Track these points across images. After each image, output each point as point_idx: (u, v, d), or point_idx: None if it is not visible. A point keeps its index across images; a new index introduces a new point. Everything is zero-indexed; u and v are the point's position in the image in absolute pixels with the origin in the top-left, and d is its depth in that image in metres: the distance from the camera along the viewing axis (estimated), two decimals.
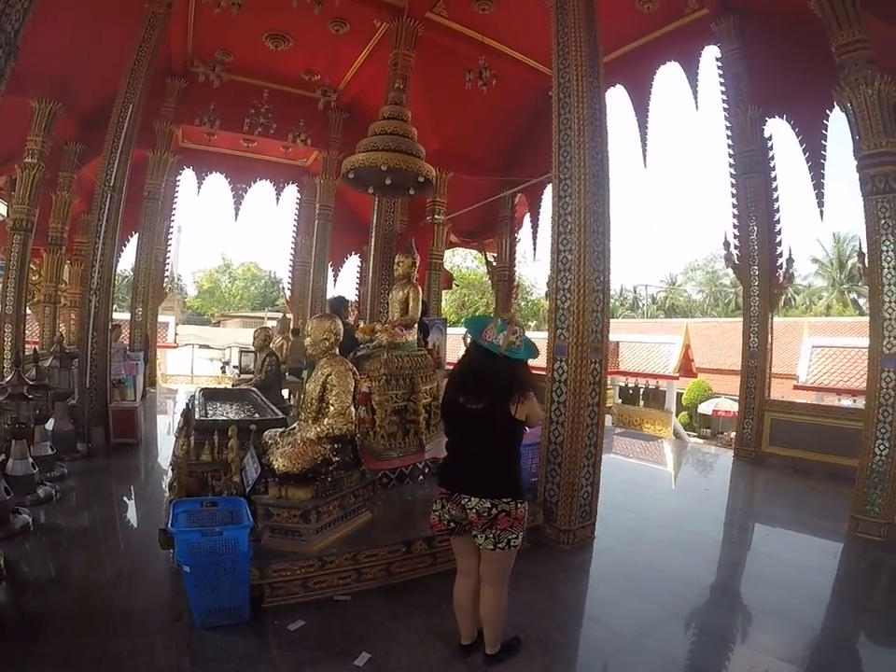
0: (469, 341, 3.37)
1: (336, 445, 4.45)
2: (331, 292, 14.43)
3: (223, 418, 5.85)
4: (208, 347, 28.73)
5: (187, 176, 15.31)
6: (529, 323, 39.72)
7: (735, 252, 9.54)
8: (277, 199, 16.42)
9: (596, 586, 4.72)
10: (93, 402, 8.02)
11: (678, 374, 22.01)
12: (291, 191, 16.43)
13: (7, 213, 11.09)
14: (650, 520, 6.24)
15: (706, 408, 24.62)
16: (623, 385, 24.56)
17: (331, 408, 4.36)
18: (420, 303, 6.85)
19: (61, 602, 3.82)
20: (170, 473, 5.74)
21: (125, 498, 6.48)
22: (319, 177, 14.40)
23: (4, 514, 4.70)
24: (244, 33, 10.51)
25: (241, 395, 7.53)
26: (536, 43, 10.01)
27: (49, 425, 6.75)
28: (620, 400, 23.58)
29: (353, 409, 4.52)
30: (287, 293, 16.66)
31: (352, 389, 4.50)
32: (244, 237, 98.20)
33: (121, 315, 13.53)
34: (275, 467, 4.19)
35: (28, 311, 12.50)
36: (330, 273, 16.09)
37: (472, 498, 3.11)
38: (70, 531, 5.16)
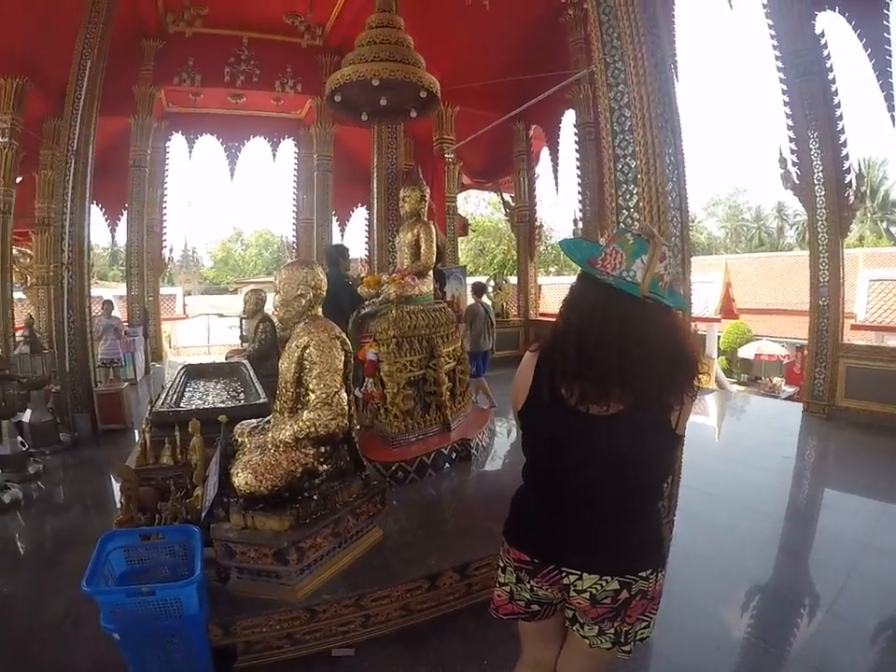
0: (582, 277, 1.82)
1: (323, 449, 3.17)
2: None
3: (185, 408, 4.71)
4: (222, 316, 28.08)
5: (177, 142, 14.70)
6: (549, 269, 38.29)
7: (793, 170, 8.08)
8: (274, 155, 15.59)
9: (692, 622, 3.32)
10: (75, 388, 7.38)
11: (719, 316, 20.32)
12: (288, 147, 15.56)
13: None
14: (729, 504, 4.98)
15: (746, 352, 23.12)
16: None
17: (312, 396, 3.07)
18: (434, 245, 5.68)
19: None
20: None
21: (99, 498, 5.53)
22: (314, 126, 13.60)
23: None
24: None
25: (231, 370, 6.58)
26: None
27: (27, 417, 6.35)
28: None
29: (343, 395, 3.19)
30: (293, 253, 15.84)
31: (340, 366, 3.20)
32: (254, 206, 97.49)
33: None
34: (236, 484, 2.97)
35: (23, 295, 12.77)
36: (337, 229, 15.53)
37: (587, 576, 1.76)
38: (26, 547, 4.48)
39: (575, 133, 11.02)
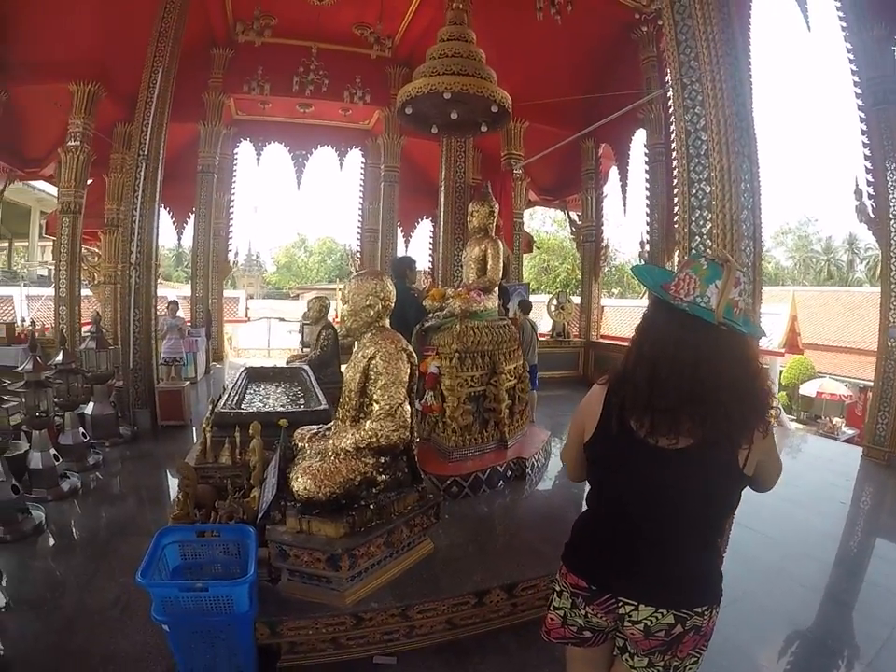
0: (648, 301, 1.86)
1: (383, 459, 3.19)
2: None
3: (246, 410, 4.77)
4: (283, 320, 28.50)
5: (245, 149, 14.94)
6: (612, 291, 37.81)
7: (868, 203, 7.75)
8: (340, 164, 15.60)
9: (731, 661, 3.17)
10: (138, 384, 7.55)
11: (783, 350, 19.76)
12: (355, 157, 15.49)
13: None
14: (779, 545, 4.73)
15: (808, 388, 22.08)
16: None
17: (375, 406, 3.09)
18: (501, 261, 5.64)
19: (31, 643, 2.99)
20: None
21: (154, 491, 5.60)
22: (382, 137, 13.64)
23: (10, 515, 4.14)
24: None
25: (291, 375, 6.66)
26: None
27: (90, 409, 6.52)
28: None
29: (406, 407, 3.19)
30: (357, 263, 15.83)
31: (405, 378, 3.20)
32: (319, 213, 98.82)
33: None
34: (294, 489, 3.00)
35: (90, 293, 13.19)
36: (401, 240, 15.51)
37: (643, 607, 1.71)
38: (81, 534, 4.49)
39: (645, 154, 10.78)
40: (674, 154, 3.96)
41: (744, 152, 3.72)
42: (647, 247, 10.90)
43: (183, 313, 12.97)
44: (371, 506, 3.10)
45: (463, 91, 5.18)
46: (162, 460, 6.25)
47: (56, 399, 5.38)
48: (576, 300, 13.94)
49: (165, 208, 13.51)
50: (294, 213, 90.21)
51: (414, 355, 3.39)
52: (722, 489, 1.69)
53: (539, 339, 12.63)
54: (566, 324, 13.09)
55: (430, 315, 5.58)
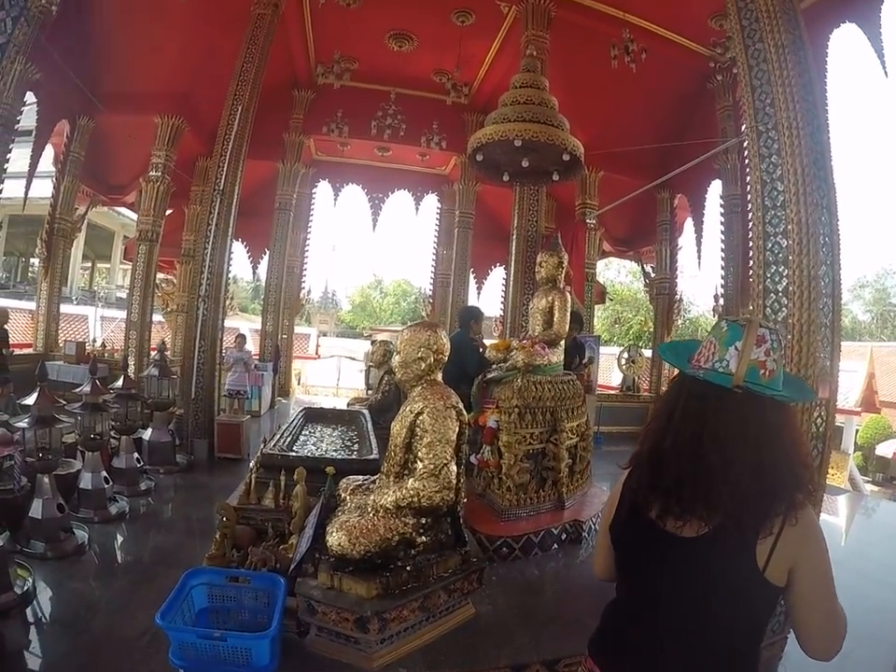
0: (675, 378, 1.65)
1: (424, 520, 3.04)
2: (474, 304, 13.34)
3: (295, 453, 4.67)
4: (353, 359, 28.75)
5: (323, 189, 15.08)
6: None
7: None
8: (416, 208, 15.64)
9: None
10: (198, 414, 7.53)
11: (859, 409, 18.62)
12: (431, 202, 15.65)
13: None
14: (851, 626, 4.23)
15: (885, 449, 20.54)
16: None
17: (420, 464, 2.97)
18: (567, 314, 5.47)
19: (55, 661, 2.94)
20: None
21: (203, 523, 5.42)
22: (458, 183, 13.53)
23: (54, 532, 4.09)
24: (365, 36, 10.41)
25: (350, 418, 6.56)
26: (685, 17, 9.04)
27: (147, 435, 6.54)
28: None
29: (452, 467, 3.06)
30: (429, 307, 15.77)
31: (453, 437, 3.08)
32: (394, 255, 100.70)
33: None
34: (329, 543, 2.89)
35: (163, 319, 13.63)
36: (474, 287, 15.30)
37: None
38: (122, 559, 4.43)
39: (721, 205, 10.49)
40: (749, 206, 3.73)
41: (822, 203, 3.49)
42: (721, 301, 10.56)
43: (252, 346, 13.19)
44: (408, 567, 2.97)
45: (534, 139, 5.07)
46: (215, 492, 6.13)
47: (113, 423, 5.47)
48: (647, 353, 13.55)
49: (242, 242, 14.11)
50: (370, 254, 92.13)
51: (464, 412, 3.27)
52: (734, 594, 1.35)
53: (608, 392, 12.41)
54: (636, 378, 12.73)
55: (493, 367, 5.42)
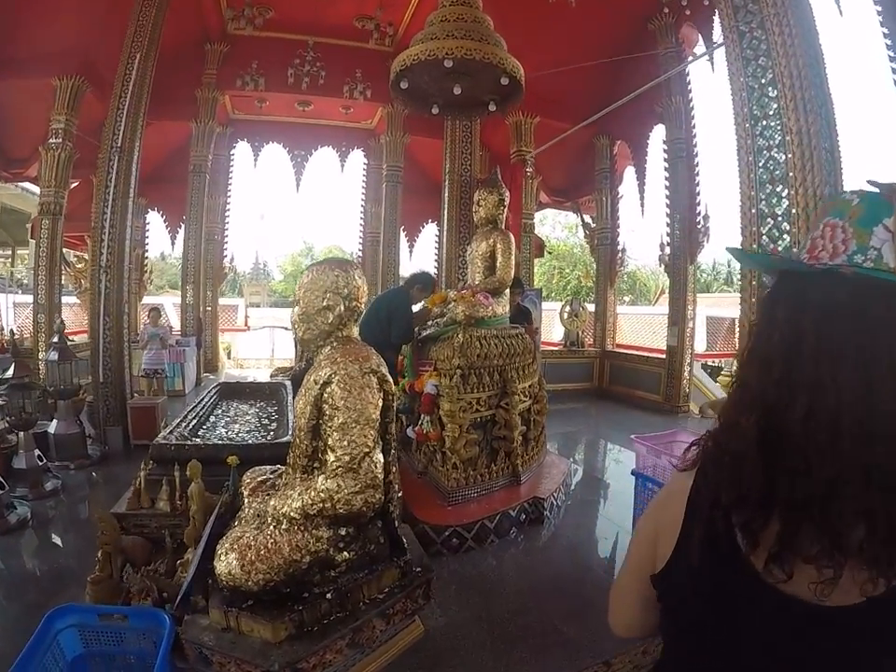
0: (775, 291, 0.91)
1: (344, 531, 2.26)
2: (407, 265, 12.97)
3: (194, 440, 3.85)
4: (287, 329, 27.97)
5: (243, 151, 14.44)
6: (624, 298, 36.87)
7: None
8: (342, 166, 14.94)
9: None
10: (108, 399, 6.92)
11: None
12: (358, 159, 14.97)
13: None
14: None
15: None
16: None
17: (331, 456, 2.18)
18: (512, 258, 4.86)
19: None
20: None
21: None
22: (385, 135, 12.78)
23: None
24: None
25: (270, 392, 5.91)
26: None
27: (52, 428, 6.06)
28: None
29: (377, 457, 2.27)
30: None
31: (375, 415, 2.28)
32: (324, 220, 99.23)
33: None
34: (217, 571, 2.12)
35: (76, 300, 12.71)
36: (406, 246, 15.00)
37: None
38: (18, 575, 3.80)
39: (664, 150, 10.06)
40: (734, 117, 3.08)
41: (820, 113, 2.89)
42: (667, 250, 10.09)
43: (176, 320, 12.39)
44: (328, 595, 2.19)
45: (467, 58, 4.35)
46: (128, 485, 5.47)
47: (7, 418, 5.14)
48: (590, 307, 13.15)
49: (158, 212, 13.55)
50: (299, 221, 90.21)
51: (390, 379, 2.45)
52: None
53: (551, 349, 11.97)
54: (579, 332, 12.27)
55: (430, 323, 4.77)
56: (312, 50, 11.10)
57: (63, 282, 10.02)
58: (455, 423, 4.12)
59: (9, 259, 27.38)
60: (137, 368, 8.17)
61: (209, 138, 12.11)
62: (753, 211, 2.91)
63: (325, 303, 2.36)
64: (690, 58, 8.49)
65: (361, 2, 10.25)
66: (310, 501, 2.13)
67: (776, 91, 2.87)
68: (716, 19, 8.46)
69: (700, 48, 9.16)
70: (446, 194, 7.18)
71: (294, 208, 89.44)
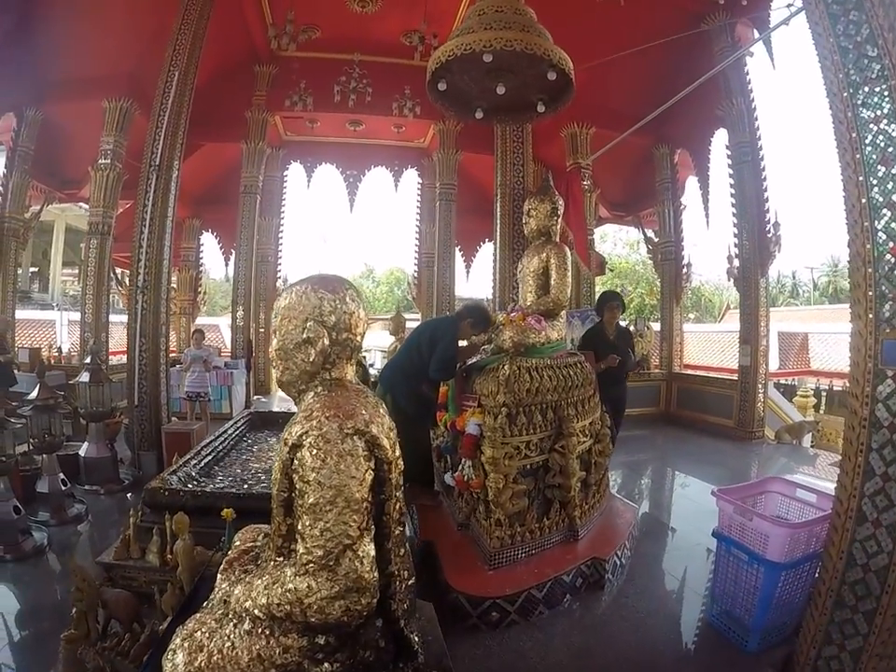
0: None
1: (324, 640, 1.57)
2: (464, 287, 12.49)
3: (185, 487, 3.33)
4: None
5: (297, 172, 14.66)
6: (688, 316, 35.83)
7: None
8: (396, 185, 14.83)
9: None
10: (143, 423, 6.76)
11: None
12: (412, 179, 14.75)
13: None
14: None
15: None
16: (818, 386, 16.57)
17: (300, 547, 1.52)
18: (569, 274, 4.31)
19: None
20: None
21: None
22: (437, 152, 12.58)
23: None
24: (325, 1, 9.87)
25: None
26: None
27: (83, 451, 6.03)
28: (823, 411, 15.09)
29: (368, 548, 1.54)
30: (415, 290, 14.80)
31: (362, 492, 1.55)
32: (383, 242, 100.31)
33: None
34: None
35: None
36: (462, 265, 14.94)
37: None
38: (25, 608, 3.43)
39: (728, 156, 9.46)
40: (825, 89, 2.48)
41: None
42: (736, 262, 9.42)
43: (227, 343, 12.26)
44: None
45: (507, 49, 3.81)
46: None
47: (32, 440, 5.02)
48: (655, 326, 12.48)
49: (213, 234, 14.23)
50: (357, 242, 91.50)
51: (385, 441, 1.68)
52: None
53: None
54: (644, 353, 11.60)
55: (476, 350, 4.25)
56: (358, 67, 11.04)
57: (117, 301, 10.06)
58: (499, 472, 3.51)
59: (77, 278, 28.27)
60: (169, 391, 7.93)
61: (259, 159, 12.07)
62: (863, 201, 2.29)
63: (305, 335, 1.72)
64: (756, 37, 7.90)
65: (407, 18, 10.12)
66: (276, 601, 1.52)
67: (875, 50, 2.28)
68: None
69: (757, 47, 8.60)
70: (498, 208, 6.74)
71: (351, 230, 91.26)
